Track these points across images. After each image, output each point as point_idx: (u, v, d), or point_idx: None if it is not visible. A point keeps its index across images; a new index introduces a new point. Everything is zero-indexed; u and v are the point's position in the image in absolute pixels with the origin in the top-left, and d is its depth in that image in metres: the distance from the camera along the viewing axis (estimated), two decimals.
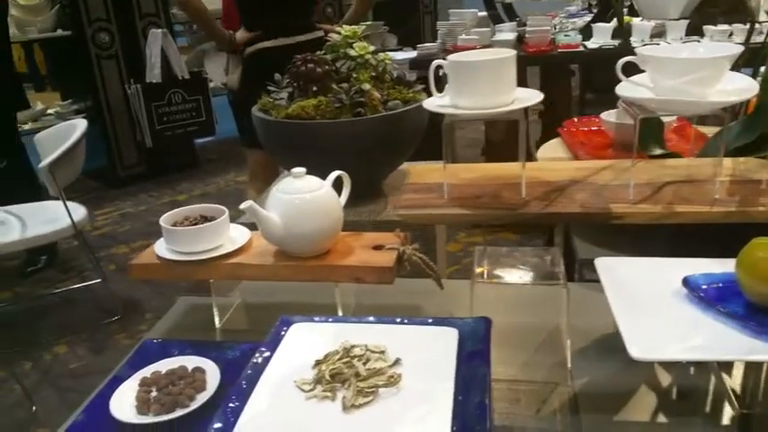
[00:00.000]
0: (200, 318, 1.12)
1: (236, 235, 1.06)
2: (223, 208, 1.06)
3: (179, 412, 0.83)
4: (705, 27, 3.08)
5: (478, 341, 0.76)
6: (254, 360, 0.77)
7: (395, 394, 0.69)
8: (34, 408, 2.22)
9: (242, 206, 0.95)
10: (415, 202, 0.84)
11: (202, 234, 1.01)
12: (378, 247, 1.02)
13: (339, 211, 1.01)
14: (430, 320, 0.82)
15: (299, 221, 0.96)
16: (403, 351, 0.75)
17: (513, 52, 0.81)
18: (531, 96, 0.82)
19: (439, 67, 0.91)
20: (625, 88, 0.82)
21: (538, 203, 0.80)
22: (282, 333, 0.81)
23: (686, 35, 3.07)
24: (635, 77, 0.83)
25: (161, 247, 1.03)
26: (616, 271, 0.74)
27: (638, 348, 0.60)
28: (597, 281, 1.04)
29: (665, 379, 0.88)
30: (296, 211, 0.96)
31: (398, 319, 0.83)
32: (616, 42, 3.01)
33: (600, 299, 0.96)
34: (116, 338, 2.64)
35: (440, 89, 0.97)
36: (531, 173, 0.89)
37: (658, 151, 0.98)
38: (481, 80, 0.79)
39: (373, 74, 1.50)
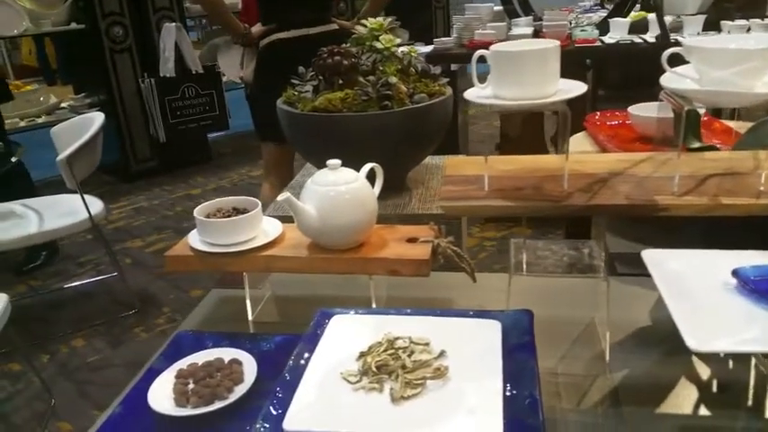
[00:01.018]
0: (231, 310, 1.12)
1: (269, 227, 1.06)
2: (256, 200, 1.05)
3: (218, 404, 0.83)
4: (722, 22, 3.06)
5: (523, 334, 0.76)
6: (297, 352, 0.76)
7: (442, 387, 0.69)
8: (53, 401, 2.23)
9: (279, 198, 0.94)
10: (456, 193, 0.83)
11: (237, 226, 1.01)
12: (411, 240, 1.01)
13: (374, 203, 1.00)
14: (471, 313, 0.81)
15: (335, 213, 0.95)
16: (446, 343, 0.75)
17: (556, 43, 0.81)
18: (574, 88, 0.81)
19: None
20: (670, 79, 0.82)
21: (581, 195, 0.79)
22: (323, 325, 0.81)
23: (703, 30, 3.05)
24: (679, 68, 0.82)
25: (195, 239, 1.03)
26: (664, 263, 0.74)
27: (695, 340, 0.59)
28: (626, 274, 1.04)
29: (704, 372, 0.88)
30: (332, 204, 0.96)
31: (439, 312, 0.82)
32: (633, 38, 2.99)
33: (632, 291, 0.96)
34: (134, 332, 2.65)
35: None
36: (570, 165, 0.88)
37: (697, 144, 0.97)
38: (525, 71, 0.78)
39: (399, 67, 1.50)
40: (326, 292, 1.17)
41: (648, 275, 0.93)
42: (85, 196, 2.56)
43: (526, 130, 3.16)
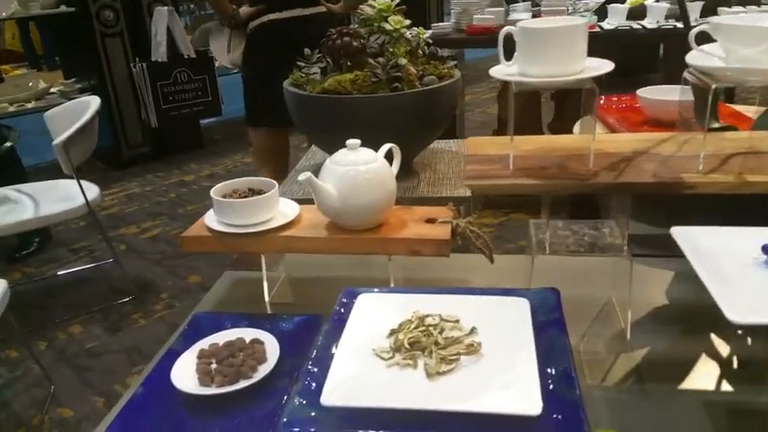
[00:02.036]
0: (246, 292, 1.11)
1: (287, 209, 1.05)
2: (273, 181, 1.05)
3: (243, 383, 0.83)
4: (719, 9, 3.07)
5: (551, 311, 0.76)
6: (326, 329, 0.76)
7: (475, 362, 0.69)
8: (53, 387, 2.21)
9: (300, 177, 0.94)
10: (481, 173, 0.83)
11: (256, 206, 1.00)
12: (430, 221, 1.01)
13: (393, 183, 1.00)
14: (498, 291, 0.81)
15: (356, 193, 0.95)
16: (476, 321, 0.75)
17: (584, 20, 0.80)
18: (601, 65, 0.81)
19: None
20: (696, 57, 0.82)
21: (608, 174, 0.79)
22: (350, 304, 0.81)
23: (700, 17, 3.06)
24: (705, 47, 0.82)
25: (211, 220, 1.02)
26: (695, 240, 0.74)
27: (735, 313, 0.60)
28: (638, 255, 1.04)
29: (724, 349, 0.89)
30: (352, 183, 0.96)
31: (466, 290, 0.82)
32: (632, 23, 3.00)
33: (647, 271, 0.96)
34: (132, 318, 2.63)
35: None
36: (585, 145, 0.88)
37: (716, 124, 0.98)
38: (553, 48, 0.78)
39: (408, 49, 1.49)
40: (341, 273, 1.16)
41: (661, 256, 0.94)
42: (81, 182, 2.53)
43: (523, 116, 3.16)
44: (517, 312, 0.76)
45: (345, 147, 0.99)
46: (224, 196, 1.04)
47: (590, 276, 1.00)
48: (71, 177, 2.56)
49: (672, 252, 1.17)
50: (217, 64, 4.53)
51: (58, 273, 3.06)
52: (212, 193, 1.02)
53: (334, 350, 0.72)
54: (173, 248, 3.25)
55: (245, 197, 1.03)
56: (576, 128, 1.41)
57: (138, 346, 2.44)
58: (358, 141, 0.99)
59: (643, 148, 0.88)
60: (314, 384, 0.67)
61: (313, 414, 0.63)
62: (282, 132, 2.71)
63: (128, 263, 3.03)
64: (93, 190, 2.61)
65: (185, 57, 4.28)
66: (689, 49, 0.81)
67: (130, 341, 2.48)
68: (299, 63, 1.53)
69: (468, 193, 1.45)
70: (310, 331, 0.97)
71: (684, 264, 1.07)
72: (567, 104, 3.35)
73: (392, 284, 1.01)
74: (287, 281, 1.14)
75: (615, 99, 1.65)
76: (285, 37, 2.43)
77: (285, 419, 0.61)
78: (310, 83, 1.46)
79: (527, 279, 0.99)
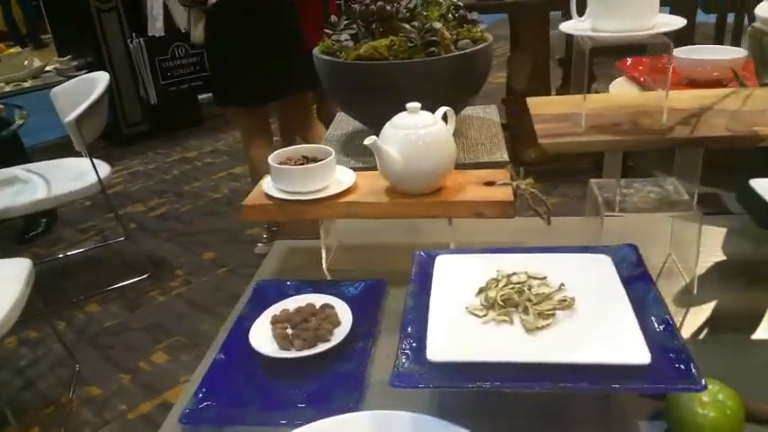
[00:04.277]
0: (301, 260, 1.11)
1: (342, 176, 1.05)
2: (328, 148, 1.04)
3: (322, 347, 0.83)
4: None
5: (635, 266, 0.77)
6: (411, 291, 0.76)
7: (571, 317, 0.70)
8: (78, 366, 2.21)
9: (366, 141, 0.93)
10: (553, 131, 0.83)
11: (314, 173, 1.00)
12: (489, 184, 1.01)
13: (453, 146, 1.00)
14: (576, 248, 0.82)
15: (419, 157, 0.95)
16: (562, 278, 0.75)
17: None
18: (672, 21, 0.81)
19: None
20: (765, 9, 0.82)
21: (682, 129, 0.80)
22: (427, 266, 0.81)
23: None
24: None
25: (270, 188, 1.02)
26: None
27: None
28: (711, 213, 1.04)
29: None
30: (414, 147, 0.95)
31: (544, 249, 0.83)
32: None
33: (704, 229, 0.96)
34: (150, 296, 2.62)
35: None
36: (656, 101, 0.88)
37: None
38: (627, 2, 0.78)
39: (441, 12, 1.47)
40: (391, 240, 1.17)
41: (729, 213, 0.94)
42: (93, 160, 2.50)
43: (532, 83, 3.15)
44: (601, 268, 0.76)
45: (374, 115, 0.97)
46: (279, 164, 1.03)
47: (648, 234, 1.01)
48: (75, 156, 2.53)
49: (730, 210, 1.18)
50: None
51: (69, 253, 3.04)
52: (270, 159, 1.02)
53: (425, 310, 0.72)
54: (183, 225, 3.24)
55: (302, 164, 1.02)
56: (613, 88, 1.41)
57: (160, 323, 2.44)
58: (418, 104, 0.99)
59: (707, 104, 0.88)
60: (414, 343, 0.67)
61: (422, 371, 0.63)
62: (262, 108, 2.61)
63: (139, 241, 3.01)
64: (104, 168, 2.58)
65: (182, 31, 4.19)
66: None
67: (151, 318, 2.48)
68: (326, 30, 1.51)
69: (506, 158, 1.45)
70: (375, 295, 0.98)
71: (738, 221, 1.09)
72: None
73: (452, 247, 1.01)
74: (341, 249, 1.14)
75: (644, 60, 1.65)
76: (245, 11, 2.26)
77: (396, 377, 0.62)
78: (344, 50, 1.44)
79: (585, 239, 1.00)
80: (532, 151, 3.00)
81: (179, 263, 2.86)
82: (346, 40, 1.47)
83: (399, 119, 0.98)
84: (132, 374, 2.18)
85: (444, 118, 1.04)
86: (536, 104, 0.93)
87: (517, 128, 3.04)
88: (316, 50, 1.50)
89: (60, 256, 3.02)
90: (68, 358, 2.23)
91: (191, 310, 2.48)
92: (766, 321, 0.84)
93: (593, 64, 2.18)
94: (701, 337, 0.84)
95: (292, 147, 1.08)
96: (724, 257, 1.02)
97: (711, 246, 1.03)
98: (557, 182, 3.02)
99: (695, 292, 0.91)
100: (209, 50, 2.59)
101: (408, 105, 0.98)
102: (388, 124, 0.99)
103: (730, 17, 3.33)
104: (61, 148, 3.95)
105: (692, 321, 0.86)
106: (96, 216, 3.38)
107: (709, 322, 0.86)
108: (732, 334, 0.84)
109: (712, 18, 3.32)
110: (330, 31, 1.51)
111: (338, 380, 0.80)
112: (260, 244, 2.83)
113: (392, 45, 1.39)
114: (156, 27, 4.09)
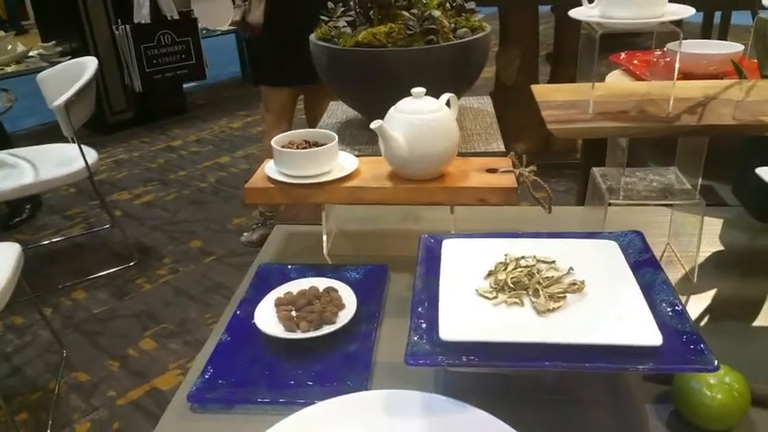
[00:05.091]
0: (301, 245, 1.11)
1: (345, 162, 1.04)
2: (331, 133, 1.04)
3: (327, 329, 0.83)
4: None
5: (641, 252, 0.78)
6: (419, 273, 0.77)
7: (581, 300, 0.70)
8: (65, 352, 2.19)
9: (372, 125, 0.93)
10: (560, 117, 0.83)
11: (318, 157, 0.99)
12: (491, 171, 1.02)
13: (457, 132, 1.00)
14: (582, 234, 0.83)
15: (423, 142, 0.95)
16: (570, 262, 0.76)
17: None
18: (681, 10, 0.82)
19: None
20: None
21: (688, 117, 0.81)
22: (434, 250, 0.81)
23: None
24: None
25: (272, 172, 1.01)
26: None
27: None
28: (713, 204, 1.05)
29: None
30: (419, 132, 0.95)
31: (550, 234, 0.83)
32: None
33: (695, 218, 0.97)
34: (136, 283, 2.60)
35: None
36: (661, 90, 0.89)
37: None
38: None
39: (440, 1, 1.47)
40: (390, 227, 1.17)
41: (729, 205, 0.95)
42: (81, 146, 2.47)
43: (520, 77, 3.17)
44: (608, 254, 0.77)
45: (371, 103, 0.97)
46: (282, 147, 1.03)
47: (647, 224, 1.02)
48: (58, 142, 2.49)
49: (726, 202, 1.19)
50: (200, 26, 4.42)
51: (54, 240, 3.00)
52: (273, 143, 1.01)
53: (435, 292, 0.72)
54: (169, 214, 3.21)
55: (306, 148, 1.02)
56: (609, 80, 1.42)
57: (148, 310, 2.42)
58: (423, 90, 0.99)
59: (712, 94, 0.89)
60: (424, 324, 0.67)
61: (435, 350, 0.63)
62: (298, 90, 2.72)
63: (125, 229, 2.98)
64: (91, 154, 2.55)
65: (169, 18, 4.16)
66: None
67: (139, 306, 2.45)
68: (322, 17, 1.51)
69: (502, 148, 1.46)
70: (378, 280, 0.98)
71: (734, 213, 1.11)
72: (561, 66, 3.36)
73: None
74: (340, 234, 1.14)
75: (638, 54, 1.67)
76: None
77: (410, 355, 0.62)
78: (342, 37, 1.43)
79: (585, 228, 1.01)
80: (519, 146, 3.02)
81: (166, 251, 2.84)
82: (344, 26, 1.46)
83: (404, 104, 0.98)
84: (121, 361, 2.16)
85: (447, 104, 1.04)
86: (541, 92, 0.93)
87: (504, 121, 3.04)
88: (312, 36, 1.49)
89: (45, 242, 2.98)
90: (56, 344, 2.21)
91: (178, 298, 2.47)
92: (766, 308, 0.86)
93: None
94: (703, 324, 0.85)
95: (295, 131, 1.07)
96: (722, 247, 1.03)
97: (709, 236, 1.04)
98: (544, 176, 3.02)
99: (695, 280, 0.93)
100: (265, 31, 2.59)
101: (414, 90, 0.98)
102: (392, 109, 0.99)
103: (716, 17, 3.39)
104: (43, 135, 3.90)
105: (694, 309, 0.88)
106: (81, 203, 3.34)
107: (709, 310, 0.87)
108: (732, 321, 0.85)
109: (698, 17, 3.36)
110: (326, 18, 1.50)
111: (346, 360, 0.80)
112: (246, 233, 2.82)
113: (391, 32, 1.38)
114: (143, 14, 4.06)
